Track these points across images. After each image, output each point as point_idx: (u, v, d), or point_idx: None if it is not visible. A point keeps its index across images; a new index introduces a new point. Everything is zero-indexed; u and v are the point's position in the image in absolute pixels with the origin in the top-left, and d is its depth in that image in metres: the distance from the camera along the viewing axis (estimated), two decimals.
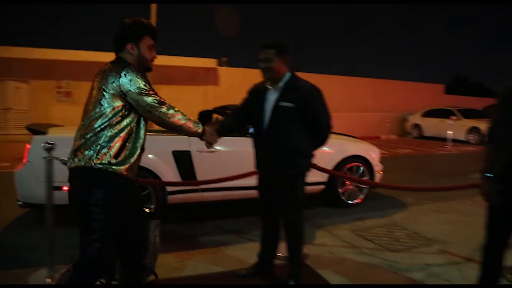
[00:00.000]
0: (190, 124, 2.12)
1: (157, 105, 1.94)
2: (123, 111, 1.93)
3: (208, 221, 4.31)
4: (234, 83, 14.84)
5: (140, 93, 1.90)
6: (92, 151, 1.88)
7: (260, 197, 2.91)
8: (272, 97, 2.67)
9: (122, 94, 1.90)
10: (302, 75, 2.75)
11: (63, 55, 13.31)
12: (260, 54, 2.66)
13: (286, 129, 2.62)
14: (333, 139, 5.31)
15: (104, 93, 1.91)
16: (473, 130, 13.65)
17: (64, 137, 3.57)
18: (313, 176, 4.14)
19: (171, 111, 2.00)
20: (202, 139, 2.35)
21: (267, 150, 2.69)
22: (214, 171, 4.01)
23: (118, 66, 1.94)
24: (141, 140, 2.02)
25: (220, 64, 15.98)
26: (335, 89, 16.87)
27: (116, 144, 1.90)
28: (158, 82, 14.55)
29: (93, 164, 1.87)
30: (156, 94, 1.97)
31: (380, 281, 2.91)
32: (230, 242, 3.71)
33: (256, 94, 2.78)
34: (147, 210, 3.84)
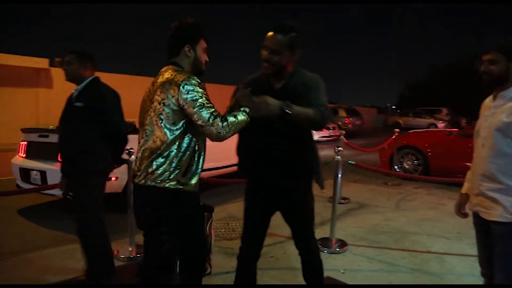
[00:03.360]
0: (241, 118, 1.85)
1: (210, 121, 1.75)
2: (186, 125, 1.83)
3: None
4: (69, 86, 13.71)
5: (194, 107, 1.76)
6: (165, 174, 1.82)
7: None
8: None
9: (181, 108, 1.80)
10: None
11: None
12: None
13: (77, 128, 2.69)
14: None
15: (165, 107, 1.81)
16: None
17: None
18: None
19: (223, 125, 1.77)
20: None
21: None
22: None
23: (177, 78, 1.82)
24: (204, 151, 1.96)
25: (53, 65, 14.53)
26: None
27: (186, 163, 1.86)
28: None
29: (166, 185, 1.83)
30: (211, 107, 1.79)
31: (215, 265, 3.23)
32: None
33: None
34: None
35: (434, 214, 4.97)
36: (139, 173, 1.89)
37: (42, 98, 13.84)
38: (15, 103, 13.39)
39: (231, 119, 1.80)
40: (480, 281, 2.81)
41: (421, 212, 5.09)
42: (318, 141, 14.50)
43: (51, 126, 4.85)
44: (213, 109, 1.79)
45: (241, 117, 1.85)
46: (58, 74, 14.29)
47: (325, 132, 15.22)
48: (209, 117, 1.75)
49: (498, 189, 1.87)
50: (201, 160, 1.93)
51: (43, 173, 4.47)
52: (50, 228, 4.30)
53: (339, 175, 3.87)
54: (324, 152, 12.13)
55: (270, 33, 2.00)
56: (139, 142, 1.97)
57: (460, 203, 2.20)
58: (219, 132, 1.76)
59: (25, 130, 5.09)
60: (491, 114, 1.95)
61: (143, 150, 1.89)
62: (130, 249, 3.54)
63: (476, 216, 2.07)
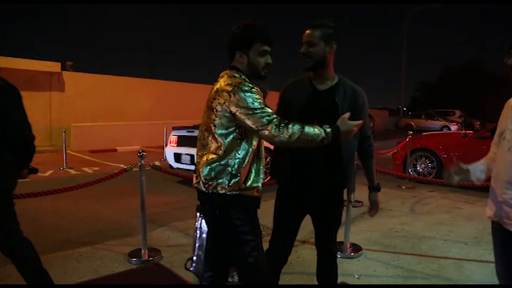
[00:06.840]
0: (310, 130, 1.72)
1: (263, 124, 1.70)
2: (242, 132, 1.80)
3: None
4: (81, 89, 13.84)
5: (246, 113, 1.71)
6: (224, 181, 1.79)
7: None
8: None
9: (233, 115, 1.75)
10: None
11: None
12: None
13: None
14: None
15: (218, 113, 1.78)
16: None
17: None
18: None
19: (280, 129, 1.69)
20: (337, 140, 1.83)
21: None
22: None
23: (229, 84, 1.78)
24: (263, 158, 1.94)
25: (65, 68, 14.70)
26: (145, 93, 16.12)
27: (245, 170, 1.82)
28: None
29: (226, 192, 1.80)
30: (264, 111, 1.72)
31: None
32: None
33: None
34: None
35: (450, 218, 4.87)
36: (199, 180, 1.86)
37: (55, 101, 14.00)
38: (30, 108, 13.53)
39: (295, 126, 1.70)
40: None
41: (437, 216, 4.99)
42: None
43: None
44: (266, 113, 1.71)
45: (312, 130, 1.71)
46: (69, 77, 14.52)
47: None
48: (261, 121, 1.70)
49: None
50: (261, 166, 1.91)
51: (192, 156, 6.57)
52: (62, 231, 4.31)
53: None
54: None
55: (307, 31, 2.12)
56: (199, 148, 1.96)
57: None
58: (275, 136, 1.69)
59: (175, 128, 7.41)
60: None
61: (202, 156, 1.86)
62: (143, 251, 3.51)
63: (496, 226, 1.94)
